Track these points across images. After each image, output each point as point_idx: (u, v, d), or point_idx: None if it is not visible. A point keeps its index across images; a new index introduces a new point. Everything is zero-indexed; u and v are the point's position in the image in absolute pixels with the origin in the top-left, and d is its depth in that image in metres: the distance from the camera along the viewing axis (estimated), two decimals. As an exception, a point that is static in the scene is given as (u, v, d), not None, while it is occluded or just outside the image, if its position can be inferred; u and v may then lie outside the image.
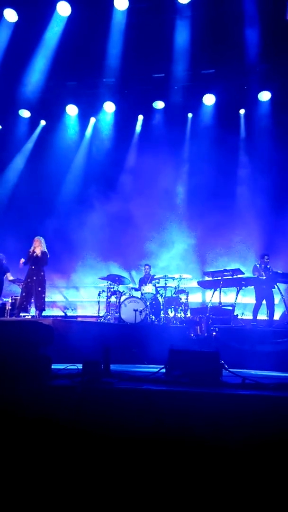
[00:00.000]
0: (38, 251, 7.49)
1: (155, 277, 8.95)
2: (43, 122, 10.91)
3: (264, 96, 9.78)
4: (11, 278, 8.33)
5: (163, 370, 3.37)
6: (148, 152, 10.15)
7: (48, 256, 7.62)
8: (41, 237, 7.68)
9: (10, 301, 8.42)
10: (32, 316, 7.51)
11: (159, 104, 10.42)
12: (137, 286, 8.88)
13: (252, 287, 7.69)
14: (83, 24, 8.75)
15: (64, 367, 3.50)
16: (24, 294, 7.52)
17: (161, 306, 8.22)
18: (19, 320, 6.63)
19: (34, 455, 2.45)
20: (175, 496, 2.34)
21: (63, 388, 2.71)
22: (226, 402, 2.58)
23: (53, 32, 8.88)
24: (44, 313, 7.82)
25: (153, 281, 8.67)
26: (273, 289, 7.56)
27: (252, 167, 9.97)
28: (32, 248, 7.49)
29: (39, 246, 7.51)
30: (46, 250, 7.60)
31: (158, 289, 8.44)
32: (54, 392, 2.71)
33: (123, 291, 8.47)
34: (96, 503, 2.41)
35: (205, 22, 8.51)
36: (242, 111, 10.29)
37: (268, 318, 7.54)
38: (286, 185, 9.32)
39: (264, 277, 7.50)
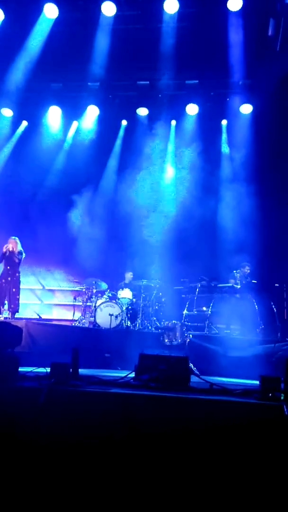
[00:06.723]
0: (15, 250, 7.42)
1: (132, 283, 8.96)
2: (25, 123, 10.82)
3: (245, 109, 9.97)
4: None
5: (133, 375, 3.36)
6: (130, 157, 10.21)
7: (24, 256, 7.54)
8: (16, 237, 7.61)
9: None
10: (5, 318, 7.39)
11: (142, 111, 10.49)
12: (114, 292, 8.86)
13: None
14: (70, 27, 8.75)
15: (32, 369, 3.45)
16: (-3, 295, 7.41)
17: (138, 312, 8.22)
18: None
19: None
20: (139, 499, 2.34)
21: (29, 389, 2.67)
22: (193, 407, 2.60)
23: (40, 33, 8.84)
24: (17, 315, 7.72)
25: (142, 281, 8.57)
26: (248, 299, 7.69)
27: (234, 176, 10.12)
28: (6, 246, 7.39)
29: (15, 246, 7.44)
30: (22, 249, 7.54)
31: (134, 294, 8.44)
32: (20, 394, 2.67)
33: (99, 296, 8.44)
34: (60, 505, 2.38)
35: (190, 33, 8.65)
36: (224, 122, 10.47)
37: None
38: (269, 195, 9.47)
39: (239, 286, 7.61)
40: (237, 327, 7.66)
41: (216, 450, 2.42)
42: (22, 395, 2.66)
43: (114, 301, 8.09)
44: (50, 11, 8.50)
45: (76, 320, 8.42)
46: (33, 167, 10.23)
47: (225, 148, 10.43)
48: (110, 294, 8.50)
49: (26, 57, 9.14)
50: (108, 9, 8.38)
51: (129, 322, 8.01)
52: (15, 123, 10.77)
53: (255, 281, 7.72)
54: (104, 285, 8.92)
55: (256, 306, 7.54)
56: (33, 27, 8.79)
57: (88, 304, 8.49)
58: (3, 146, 10.67)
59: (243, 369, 5.32)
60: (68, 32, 8.79)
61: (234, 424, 2.41)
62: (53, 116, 10.64)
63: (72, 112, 10.62)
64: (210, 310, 7.59)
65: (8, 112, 10.50)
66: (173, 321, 7.22)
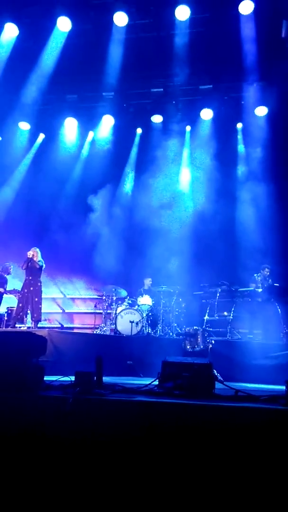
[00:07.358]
0: (36, 259, 7.56)
1: (152, 289, 8.94)
2: (42, 136, 11.02)
3: (260, 111, 9.89)
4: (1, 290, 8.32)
5: (156, 382, 3.35)
6: (146, 164, 10.27)
7: (44, 266, 7.66)
8: (37, 248, 7.74)
9: (6, 311, 8.40)
10: (28, 327, 7.49)
11: (156, 118, 10.55)
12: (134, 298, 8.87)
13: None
14: (83, 39, 8.88)
15: (57, 378, 3.48)
16: (20, 304, 7.52)
17: (158, 318, 8.20)
18: (12, 330, 6.61)
19: (21, 464, 2.43)
20: (163, 506, 2.32)
21: (54, 398, 2.69)
22: (218, 414, 2.57)
23: (54, 46, 9.01)
24: (40, 324, 7.81)
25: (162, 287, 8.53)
26: (270, 302, 7.58)
27: (252, 178, 10.04)
28: (29, 254, 7.54)
29: (35, 255, 7.58)
30: (42, 260, 7.67)
31: (154, 300, 8.42)
32: (45, 403, 2.70)
33: (119, 303, 8.47)
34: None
35: (203, 38, 8.67)
36: (239, 125, 10.43)
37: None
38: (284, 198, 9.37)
39: (261, 290, 7.51)
40: (260, 331, 7.55)
41: (244, 458, 2.39)
42: (48, 404, 2.69)
43: (134, 308, 8.10)
44: (64, 24, 8.66)
45: (97, 328, 8.46)
46: (51, 178, 10.41)
47: (241, 151, 10.38)
48: (130, 301, 8.51)
49: (41, 70, 9.33)
50: (120, 19, 8.48)
51: (150, 329, 8.00)
52: (33, 136, 11.00)
53: (277, 284, 7.60)
54: (123, 292, 8.94)
55: (279, 309, 7.42)
56: (47, 41, 8.98)
57: (108, 311, 8.53)
58: (22, 159, 10.88)
59: (268, 374, 5.24)
60: (82, 44, 8.93)
61: (261, 432, 2.37)
62: (69, 127, 10.81)
63: (88, 123, 10.77)
64: (232, 315, 7.50)
65: (25, 126, 10.73)
66: (195, 327, 7.17)
